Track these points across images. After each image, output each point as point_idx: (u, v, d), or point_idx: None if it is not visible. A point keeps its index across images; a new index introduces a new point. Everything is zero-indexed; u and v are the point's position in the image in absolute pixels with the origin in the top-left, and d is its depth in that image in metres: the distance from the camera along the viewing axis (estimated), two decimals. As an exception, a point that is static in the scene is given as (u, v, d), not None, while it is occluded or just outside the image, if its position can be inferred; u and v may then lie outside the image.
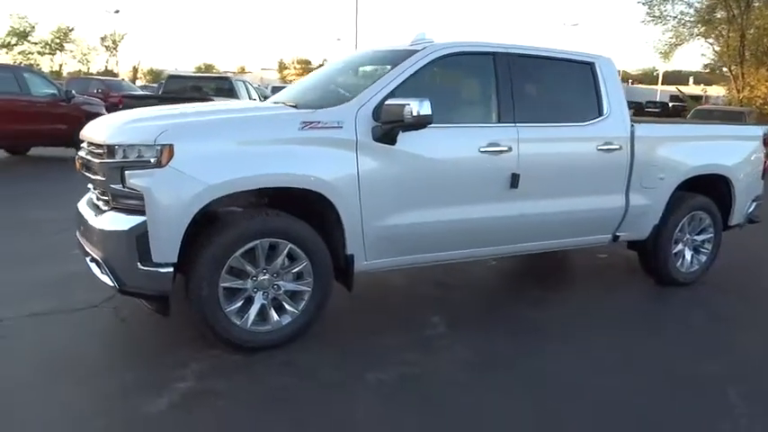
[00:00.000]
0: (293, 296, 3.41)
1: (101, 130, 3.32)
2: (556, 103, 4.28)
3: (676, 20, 25.15)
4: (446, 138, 3.74)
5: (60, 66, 47.24)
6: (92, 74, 39.24)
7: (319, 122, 3.35)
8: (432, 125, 3.68)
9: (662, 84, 57.64)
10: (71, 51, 47.71)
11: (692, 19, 24.79)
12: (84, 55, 48.87)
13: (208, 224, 3.23)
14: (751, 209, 5.29)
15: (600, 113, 4.35)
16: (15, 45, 42.75)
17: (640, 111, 25.58)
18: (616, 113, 4.39)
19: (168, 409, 2.73)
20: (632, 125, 4.47)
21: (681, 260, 4.94)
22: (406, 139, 3.53)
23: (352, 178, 3.40)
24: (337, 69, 4.55)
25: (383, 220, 3.55)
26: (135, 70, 54.35)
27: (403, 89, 3.64)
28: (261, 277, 3.30)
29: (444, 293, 4.58)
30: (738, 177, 5.04)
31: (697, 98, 32.79)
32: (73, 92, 11.56)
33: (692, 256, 5.02)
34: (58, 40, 45.94)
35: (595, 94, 4.38)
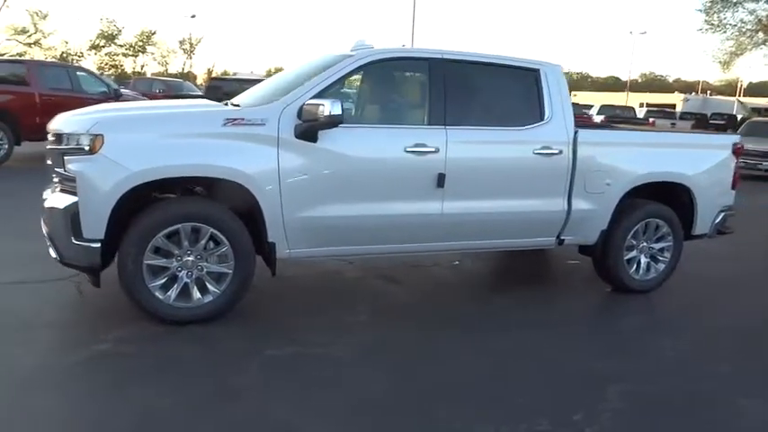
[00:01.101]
0: (217, 277, 3.76)
1: (57, 121, 3.81)
2: (492, 107, 4.43)
3: (736, 28, 23.90)
4: (371, 137, 4.00)
5: (142, 67, 50.25)
6: (163, 75, 41.39)
7: (243, 119, 3.69)
8: (359, 125, 3.96)
9: (743, 95, 54.69)
10: (152, 54, 50.68)
11: (753, 27, 23.47)
12: (164, 57, 51.78)
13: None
14: (718, 219, 5.19)
15: (541, 118, 4.46)
16: (103, 47, 45.82)
17: (703, 123, 24.41)
18: (558, 119, 4.48)
19: (74, 365, 3.15)
20: (576, 130, 4.55)
21: (635, 267, 4.94)
22: (330, 138, 3.81)
23: (272, 172, 3.72)
24: (293, 73, 4.89)
25: (305, 211, 3.84)
26: (209, 72, 56.97)
27: (332, 91, 3.94)
28: (186, 258, 3.68)
29: (388, 287, 4.82)
30: (701, 187, 4.98)
31: (759, 110, 30.86)
32: (121, 90, 12.53)
33: (649, 264, 5.00)
34: (141, 43, 48.82)
35: (537, 99, 4.49)
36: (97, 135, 3.43)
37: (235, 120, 3.68)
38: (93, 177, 3.42)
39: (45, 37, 39.10)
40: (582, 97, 49.23)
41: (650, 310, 4.73)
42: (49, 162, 3.83)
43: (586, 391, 3.22)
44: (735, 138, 5.21)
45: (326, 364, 3.34)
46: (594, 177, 4.59)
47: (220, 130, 3.64)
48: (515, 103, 4.52)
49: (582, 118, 21.09)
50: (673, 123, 24.91)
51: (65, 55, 42.64)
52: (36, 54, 39.07)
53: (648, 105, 28.55)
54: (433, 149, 4.07)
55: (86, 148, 3.43)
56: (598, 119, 22.51)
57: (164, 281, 3.65)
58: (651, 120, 24.26)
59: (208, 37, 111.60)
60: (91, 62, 43.82)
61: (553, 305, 4.67)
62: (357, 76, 4.35)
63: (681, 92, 58.87)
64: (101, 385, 2.99)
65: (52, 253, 3.67)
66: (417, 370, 3.34)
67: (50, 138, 3.77)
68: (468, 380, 3.27)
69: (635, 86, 71.26)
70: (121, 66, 46.36)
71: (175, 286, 3.67)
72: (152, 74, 43.69)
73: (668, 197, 5.06)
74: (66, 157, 3.49)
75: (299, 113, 3.74)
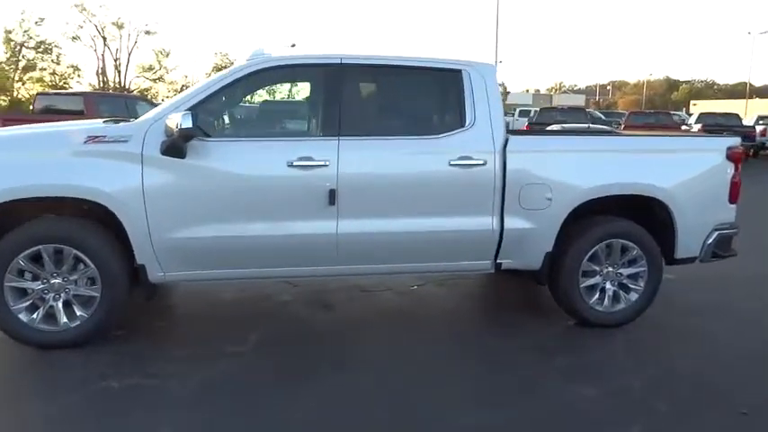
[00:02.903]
0: (85, 301, 3.62)
1: None
2: (400, 115, 3.96)
3: None
4: (248, 152, 3.69)
5: (251, 96, 53.52)
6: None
7: (105, 137, 3.55)
8: (235, 138, 3.69)
9: None
10: (259, 84, 53.62)
11: None
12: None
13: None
14: (711, 239, 4.27)
15: (460, 125, 3.91)
16: (217, 79, 49.14)
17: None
18: (482, 125, 3.91)
19: None
20: (506, 138, 3.94)
21: (597, 296, 4.17)
22: (200, 153, 3.57)
23: (135, 191, 3.52)
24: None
25: (175, 232, 3.60)
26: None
27: (210, 104, 3.72)
28: (53, 280, 3.57)
29: (313, 315, 4.43)
30: (681, 200, 4.12)
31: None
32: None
33: (617, 293, 4.20)
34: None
35: (457, 104, 3.95)
36: None
37: (96, 137, 3.54)
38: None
39: (168, 72, 42.72)
40: (704, 106, 44.99)
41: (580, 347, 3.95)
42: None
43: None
44: (731, 140, 4.26)
45: (150, 401, 3.04)
46: (531, 191, 3.93)
47: (82, 148, 3.52)
48: (429, 109, 4.03)
49: (668, 127, 19.26)
50: None
51: (184, 87, 46.40)
52: (160, 88, 42.92)
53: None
54: (322, 163, 3.68)
55: (-47, 167, 3.47)
56: (696, 128, 20.45)
57: (27, 303, 3.56)
58: (762, 128, 21.55)
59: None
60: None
61: (462, 342, 4.04)
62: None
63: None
64: None
65: None
66: (239, 424, 2.94)
67: None
68: None
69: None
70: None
71: (40, 309, 3.58)
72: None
73: (644, 214, 4.25)
74: None
75: (166, 129, 3.54)
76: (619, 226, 4.15)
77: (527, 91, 75.85)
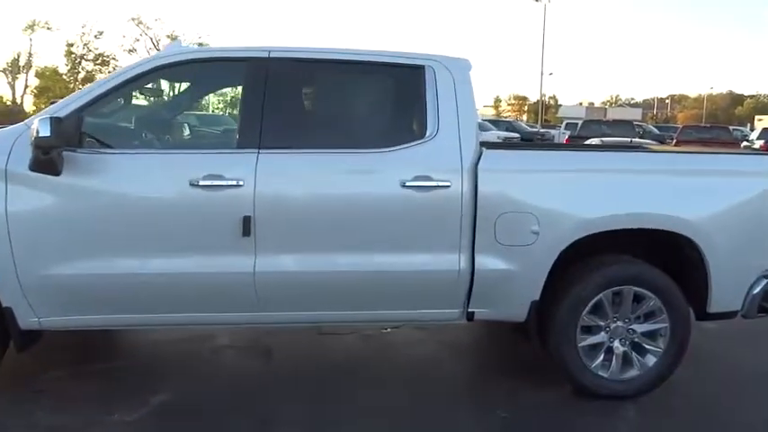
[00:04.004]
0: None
1: None
2: (339, 122, 3.13)
3: None
4: (141, 167, 2.93)
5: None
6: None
7: (-35, 149, 2.87)
8: (127, 150, 2.96)
9: None
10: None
11: None
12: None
13: None
14: (758, 289, 3.23)
15: (420, 135, 3.05)
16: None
17: None
18: (446, 136, 3.03)
19: None
20: (480, 152, 3.05)
21: (601, 359, 3.20)
22: (79, 169, 2.84)
23: (-1, 214, 2.83)
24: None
25: (48, 268, 2.87)
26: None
27: (102, 106, 3.01)
28: None
29: (248, 363, 3.64)
30: (715, 236, 3.11)
31: None
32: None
33: (629, 356, 3.22)
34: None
35: (417, 109, 3.09)
36: None
37: (-43, 150, 2.87)
38: None
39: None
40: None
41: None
42: None
43: None
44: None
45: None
46: (511, 222, 3.02)
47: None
48: (379, 116, 3.19)
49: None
50: None
51: (233, 98, 47.00)
52: (212, 100, 43.57)
53: None
54: (234, 182, 2.89)
55: None
56: (758, 144, 18.72)
57: None
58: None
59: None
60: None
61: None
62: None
63: None
64: None
65: None
66: None
67: None
68: None
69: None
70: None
71: None
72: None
73: (665, 254, 3.27)
74: None
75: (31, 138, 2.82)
76: (630, 269, 3.18)
77: (580, 104, 73.47)
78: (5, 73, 38.35)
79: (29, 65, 38.74)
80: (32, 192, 2.84)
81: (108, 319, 3.04)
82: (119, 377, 3.40)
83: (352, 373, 3.57)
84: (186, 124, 3.40)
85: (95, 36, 38.94)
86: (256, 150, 2.93)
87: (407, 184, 2.96)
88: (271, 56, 3.05)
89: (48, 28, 38.20)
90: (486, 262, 3.04)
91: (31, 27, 37.56)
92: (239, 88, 3.15)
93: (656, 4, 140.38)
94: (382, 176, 2.99)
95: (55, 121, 2.66)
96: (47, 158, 2.74)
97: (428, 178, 2.97)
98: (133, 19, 39.17)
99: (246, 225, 2.88)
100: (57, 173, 2.80)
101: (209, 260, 2.93)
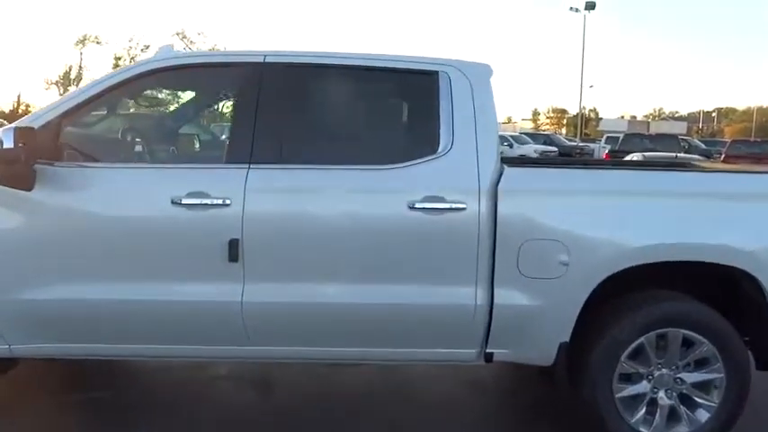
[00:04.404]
0: None
1: None
2: (341, 135, 2.78)
3: None
4: (118, 182, 2.64)
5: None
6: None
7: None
8: (104, 165, 2.68)
9: None
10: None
11: None
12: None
13: None
14: (834, 335, 2.72)
15: (431, 150, 2.67)
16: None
17: None
18: (462, 151, 2.65)
19: None
20: (501, 170, 2.66)
21: (643, 412, 2.74)
22: (51, 184, 2.57)
23: (-35, 233, 2.57)
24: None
25: (16, 292, 2.60)
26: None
27: (84, 115, 2.75)
28: None
29: (240, 397, 3.30)
30: (780, 271, 2.63)
31: None
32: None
33: (676, 410, 2.74)
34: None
35: (429, 120, 2.71)
36: None
37: None
38: None
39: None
40: None
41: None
42: None
43: None
44: None
45: None
46: (537, 251, 2.61)
47: None
48: (386, 128, 2.84)
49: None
50: None
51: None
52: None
53: None
54: (221, 201, 2.57)
55: None
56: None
57: None
58: None
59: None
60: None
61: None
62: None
63: None
64: None
65: None
66: None
67: None
68: None
69: None
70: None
71: None
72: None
73: (719, 291, 2.81)
74: None
75: None
76: (678, 308, 2.72)
77: (621, 117, 71.71)
78: (57, 85, 39.65)
79: (79, 78, 39.96)
80: (4, 208, 2.58)
81: (83, 349, 2.74)
82: (99, 409, 3.10)
83: (360, 412, 3.20)
84: (174, 136, 3.10)
85: (141, 50, 39.87)
86: (246, 165, 2.61)
87: (417, 205, 2.58)
88: (266, 61, 2.73)
89: (97, 42, 39.33)
90: (506, 296, 2.63)
91: (82, 42, 38.74)
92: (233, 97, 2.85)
93: (700, 15, 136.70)
94: (388, 196, 2.62)
95: (24, 132, 2.41)
96: (15, 171, 2.49)
97: (440, 199, 2.59)
98: (178, 33, 39.99)
99: (233, 249, 2.56)
100: (28, 187, 2.54)
101: (192, 287, 2.61)
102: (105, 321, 2.65)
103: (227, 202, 2.56)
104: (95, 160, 2.74)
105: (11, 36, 61.04)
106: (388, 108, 2.91)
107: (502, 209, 2.60)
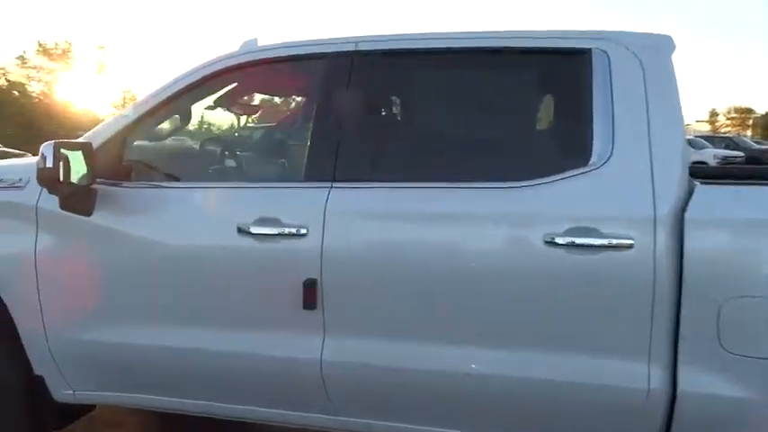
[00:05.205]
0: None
1: None
2: (454, 142, 2.04)
3: None
4: (174, 205, 2.19)
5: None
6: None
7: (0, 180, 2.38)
8: (163, 184, 2.26)
9: None
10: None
11: None
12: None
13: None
14: None
15: (582, 161, 1.86)
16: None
17: None
18: (628, 160, 1.81)
19: None
20: (692, 187, 1.78)
21: None
22: (114, 208, 2.19)
23: (27, 261, 2.26)
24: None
25: (79, 331, 2.25)
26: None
27: (149, 128, 2.34)
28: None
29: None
30: None
31: None
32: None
33: None
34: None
35: (580, 118, 1.90)
36: None
37: (-11, 180, 2.40)
38: None
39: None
40: None
41: None
42: None
43: None
44: None
45: None
46: (750, 314, 1.69)
47: (-29, 196, 2.41)
48: (514, 131, 2.04)
49: None
50: None
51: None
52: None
53: None
54: (293, 230, 2.00)
55: None
56: None
57: None
58: None
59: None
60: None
61: None
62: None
63: None
64: None
65: None
66: None
67: None
68: None
69: None
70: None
71: None
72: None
73: None
74: None
75: None
76: None
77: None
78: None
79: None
80: (63, 235, 2.26)
81: (145, 400, 2.32)
82: None
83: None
84: (237, 147, 2.59)
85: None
86: (328, 183, 2.02)
87: (557, 240, 1.80)
88: (358, 49, 2.13)
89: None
90: (698, 381, 1.74)
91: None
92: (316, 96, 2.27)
93: None
94: (516, 227, 1.87)
95: (81, 150, 2.05)
96: (76, 193, 2.14)
97: (593, 232, 1.78)
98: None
99: (310, 293, 1.97)
100: (87, 212, 2.18)
101: (260, 338, 2.07)
102: (163, 371, 2.21)
103: (302, 231, 1.99)
104: (168, 179, 2.33)
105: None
106: (520, 104, 2.13)
107: (692, 247, 1.72)
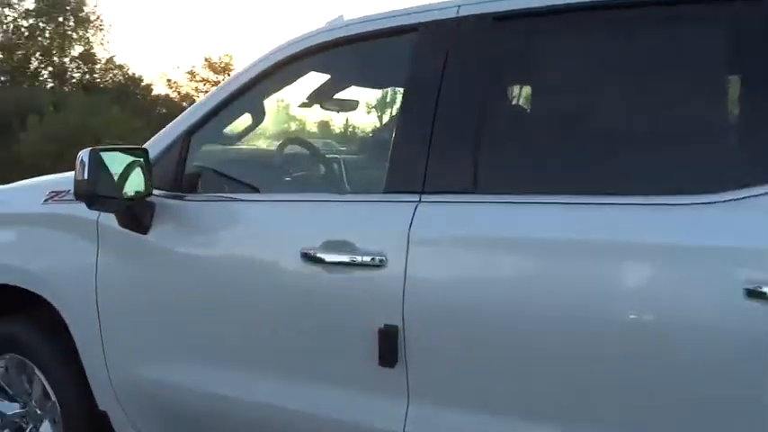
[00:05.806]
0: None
1: None
2: (604, 136, 1.40)
3: None
4: (230, 223, 1.79)
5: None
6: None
7: (68, 191, 2.15)
8: (222, 197, 1.89)
9: None
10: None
11: None
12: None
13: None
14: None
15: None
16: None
17: None
18: None
19: None
20: None
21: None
22: (167, 225, 1.87)
23: (88, 283, 2.01)
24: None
25: (138, 366, 1.95)
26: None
27: (217, 129, 1.98)
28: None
29: None
30: None
31: None
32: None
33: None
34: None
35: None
36: None
37: (59, 192, 2.17)
38: None
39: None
40: None
41: None
42: None
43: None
44: None
45: None
46: None
47: (40, 209, 2.20)
48: (695, 121, 1.35)
49: None
50: None
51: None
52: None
53: None
54: (368, 259, 1.50)
55: None
56: None
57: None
58: None
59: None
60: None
61: None
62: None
63: None
64: None
65: None
66: None
67: None
68: None
69: None
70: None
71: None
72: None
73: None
74: None
75: None
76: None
77: None
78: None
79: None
80: (123, 256, 1.97)
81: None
82: None
83: None
84: (318, 148, 2.10)
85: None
86: (416, 196, 1.50)
87: (765, 289, 1.12)
88: (460, 14, 1.57)
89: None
90: None
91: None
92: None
93: None
94: (704, 265, 1.20)
95: (135, 156, 1.74)
96: (132, 209, 1.85)
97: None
98: None
99: (388, 344, 1.46)
100: (143, 230, 1.87)
101: (326, 396, 1.60)
102: (222, 422, 1.83)
103: (380, 260, 1.49)
104: (237, 190, 1.96)
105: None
106: (701, 82, 1.40)
107: None
